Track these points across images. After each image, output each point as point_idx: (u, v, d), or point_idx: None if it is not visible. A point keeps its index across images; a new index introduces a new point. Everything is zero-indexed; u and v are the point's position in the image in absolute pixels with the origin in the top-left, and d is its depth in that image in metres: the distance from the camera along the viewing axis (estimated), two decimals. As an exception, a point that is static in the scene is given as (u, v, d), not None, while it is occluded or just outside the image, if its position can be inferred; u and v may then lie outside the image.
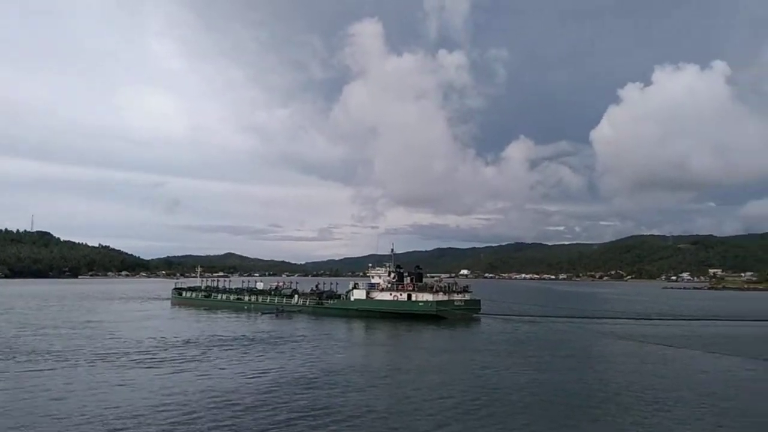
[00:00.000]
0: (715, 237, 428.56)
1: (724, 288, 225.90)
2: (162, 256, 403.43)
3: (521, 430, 18.73)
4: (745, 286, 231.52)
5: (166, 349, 36.35)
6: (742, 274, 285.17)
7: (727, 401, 23.54)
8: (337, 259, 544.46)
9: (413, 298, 64.28)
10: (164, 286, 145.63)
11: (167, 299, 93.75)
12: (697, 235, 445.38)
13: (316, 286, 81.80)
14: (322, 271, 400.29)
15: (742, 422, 20.31)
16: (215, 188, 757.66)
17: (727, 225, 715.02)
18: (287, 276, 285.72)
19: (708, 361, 34.98)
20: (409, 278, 68.50)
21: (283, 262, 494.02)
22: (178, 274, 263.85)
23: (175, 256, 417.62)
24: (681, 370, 31.52)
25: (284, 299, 75.62)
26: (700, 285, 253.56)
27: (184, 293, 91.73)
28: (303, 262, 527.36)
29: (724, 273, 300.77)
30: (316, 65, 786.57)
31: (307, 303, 72.56)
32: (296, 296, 75.70)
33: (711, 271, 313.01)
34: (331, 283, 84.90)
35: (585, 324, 59.44)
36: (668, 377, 29.06)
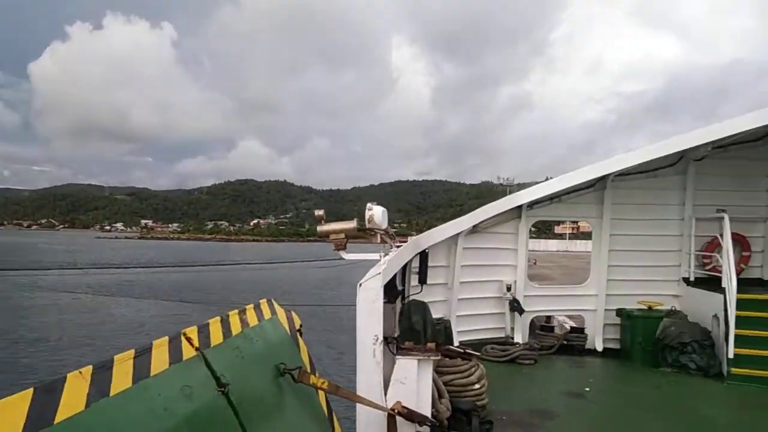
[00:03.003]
0: (150, 190, 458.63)
1: (152, 238, 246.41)
2: None
3: None
4: (171, 236, 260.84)
5: None
6: (170, 225, 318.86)
7: (104, 334, 25.57)
8: None
9: None
10: None
11: None
12: (133, 187, 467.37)
13: None
14: None
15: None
16: None
17: (161, 179, 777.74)
18: None
19: (120, 305, 36.75)
20: None
21: None
22: None
23: None
24: (91, 315, 32.01)
25: None
26: (132, 235, 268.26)
27: None
28: None
29: (155, 224, 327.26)
30: None
31: None
32: None
33: (143, 221, 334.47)
34: None
35: (3, 276, 52.99)
36: (79, 323, 29.15)
